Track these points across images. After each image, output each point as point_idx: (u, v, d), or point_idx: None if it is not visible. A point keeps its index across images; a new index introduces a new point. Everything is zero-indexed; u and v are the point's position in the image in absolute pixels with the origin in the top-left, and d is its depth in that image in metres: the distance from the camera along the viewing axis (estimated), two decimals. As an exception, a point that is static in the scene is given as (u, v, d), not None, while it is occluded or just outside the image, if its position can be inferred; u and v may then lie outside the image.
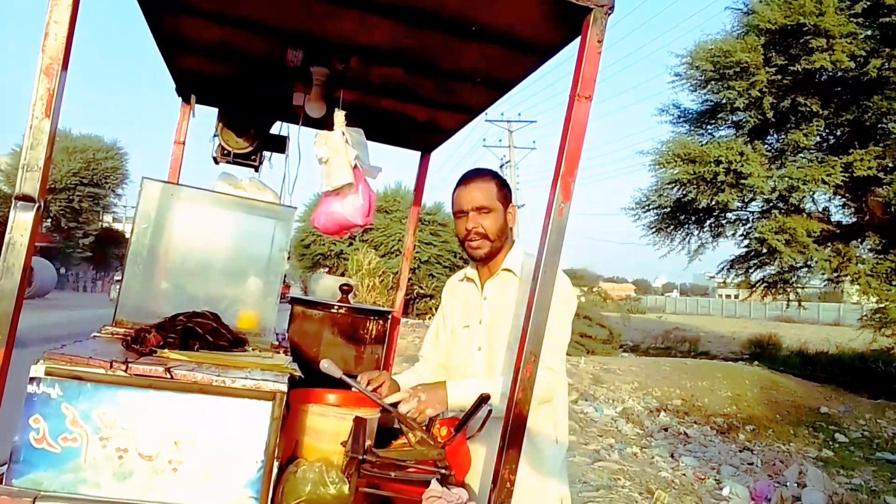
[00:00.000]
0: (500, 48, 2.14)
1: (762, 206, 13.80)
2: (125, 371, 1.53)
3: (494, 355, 2.18)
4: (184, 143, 3.22)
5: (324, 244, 28.44)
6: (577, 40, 1.72)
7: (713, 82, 13.62)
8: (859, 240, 12.71)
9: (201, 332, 1.92)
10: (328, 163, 2.46)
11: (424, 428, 1.95)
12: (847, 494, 6.99)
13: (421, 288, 26.19)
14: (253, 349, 2.06)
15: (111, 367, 1.53)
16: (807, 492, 6.78)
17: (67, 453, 1.50)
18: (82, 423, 1.50)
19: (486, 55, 2.22)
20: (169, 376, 1.56)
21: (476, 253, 2.19)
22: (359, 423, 1.82)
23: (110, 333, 2.04)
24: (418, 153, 3.54)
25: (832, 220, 13.06)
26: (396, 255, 25.86)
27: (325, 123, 2.67)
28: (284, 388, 1.61)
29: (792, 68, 11.94)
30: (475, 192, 2.16)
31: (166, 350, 1.77)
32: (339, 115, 2.50)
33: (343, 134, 2.47)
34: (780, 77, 12.36)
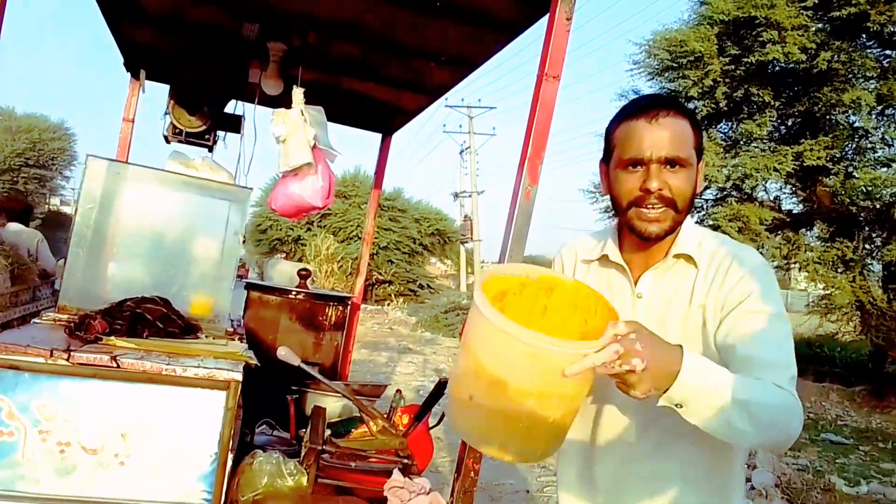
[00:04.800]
0: (466, 25, 2.08)
1: (716, 195, 14.08)
2: (67, 360, 1.44)
3: None
4: (133, 121, 3.09)
5: (281, 229, 28.03)
6: (545, 18, 1.68)
7: (669, 71, 13.77)
8: (808, 228, 13.09)
9: (151, 319, 1.82)
10: (286, 142, 2.37)
11: None
12: (794, 474, 7.21)
13: (380, 273, 26.06)
14: (206, 336, 1.98)
15: (51, 355, 1.43)
16: (756, 472, 6.97)
17: (3, 448, 1.40)
18: (19, 415, 1.40)
19: (451, 33, 2.16)
20: (115, 365, 1.47)
21: (651, 229, 1.36)
22: (317, 412, 1.76)
23: (52, 320, 1.92)
24: (379, 136, 3.46)
25: (783, 208, 13.41)
26: (355, 241, 25.66)
27: (283, 103, 2.57)
28: (239, 376, 1.53)
29: (745, 59, 12.16)
30: (666, 133, 1.35)
31: (113, 337, 1.68)
32: (298, 93, 2.41)
33: (302, 112, 2.38)
34: (733, 67, 12.57)
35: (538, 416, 1.10)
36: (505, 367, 1.09)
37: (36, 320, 1.91)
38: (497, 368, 1.09)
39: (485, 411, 1.13)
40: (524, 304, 1.21)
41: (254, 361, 1.69)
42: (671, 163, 1.33)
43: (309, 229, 26.92)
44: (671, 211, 1.35)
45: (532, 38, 2.12)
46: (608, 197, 1.44)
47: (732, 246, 1.41)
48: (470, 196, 34.05)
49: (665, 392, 1.09)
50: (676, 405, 1.12)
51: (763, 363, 1.20)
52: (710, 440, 1.18)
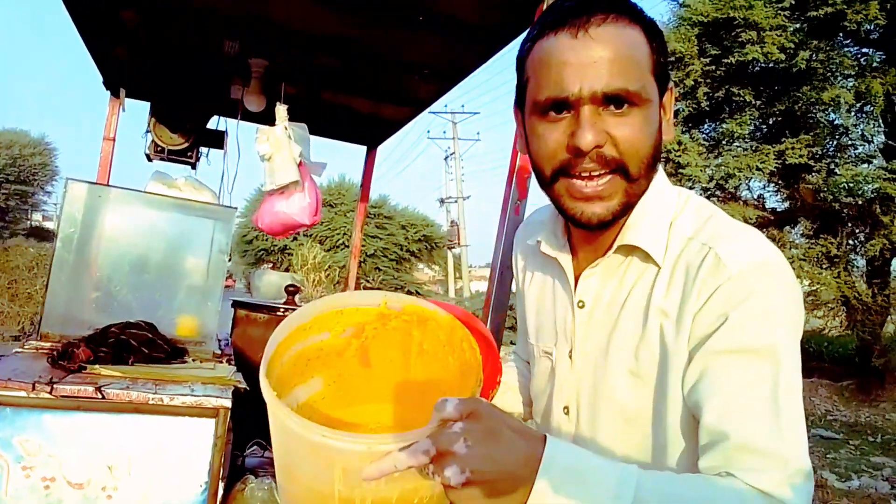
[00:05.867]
0: (449, 37, 2.06)
1: (700, 195, 14.18)
2: (50, 392, 1.40)
3: (596, 430, 0.94)
4: (113, 140, 3.04)
5: (267, 239, 27.95)
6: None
7: (651, 73, 13.83)
8: (792, 226, 13.22)
9: (136, 345, 1.79)
10: (271, 160, 2.35)
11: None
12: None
13: (368, 281, 26.00)
14: (193, 359, 1.94)
15: (33, 388, 1.39)
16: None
17: (-14, 486, 1.36)
18: (1, 451, 1.36)
19: (435, 45, 2.14)
20: (100, 396, 1.43)
21: (592, 211, 0.86)
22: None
23: (34, 348, 1.88)
24: (364, 148, 3.44)
25: (767, 207, 13.53)
26: (342, 249, 25.64)
27: (266, 117, 2.55)
28: (228, 403, 1.50)
29: (725, 60, 12.28)
30: (603, 53, 0.81)
31: (97, 365, 1.64)
32: (281, 110, 2.38)
33: (286, 129, 2.36)
34: (713, 68, 12.69)
35: None
36: (293, 462, 0.78)
37: (18, 349, 1.86)
38: (287, 461, 0.79)
39: None
40: (393, 339, 0.89)
41: (243, 386, 1.66)
42: (615, 100, 0.81)
43: (295, 238, 26.84)
44: (620, 179, 0.84)
45: (516, 42, 2.11)
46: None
47: (716, 231, 0.86)
48: (456, 201, 34.08)
49: None
50: None
51: (738, 446, 0.74)
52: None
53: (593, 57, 0.80)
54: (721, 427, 0.75)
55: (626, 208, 0.87)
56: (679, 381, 0.82)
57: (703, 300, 0.81)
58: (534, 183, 1.64)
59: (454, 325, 0.88)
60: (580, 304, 0.96)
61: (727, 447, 0.74)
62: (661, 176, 0.92)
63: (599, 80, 0.80)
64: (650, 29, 0.85)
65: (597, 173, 0.83)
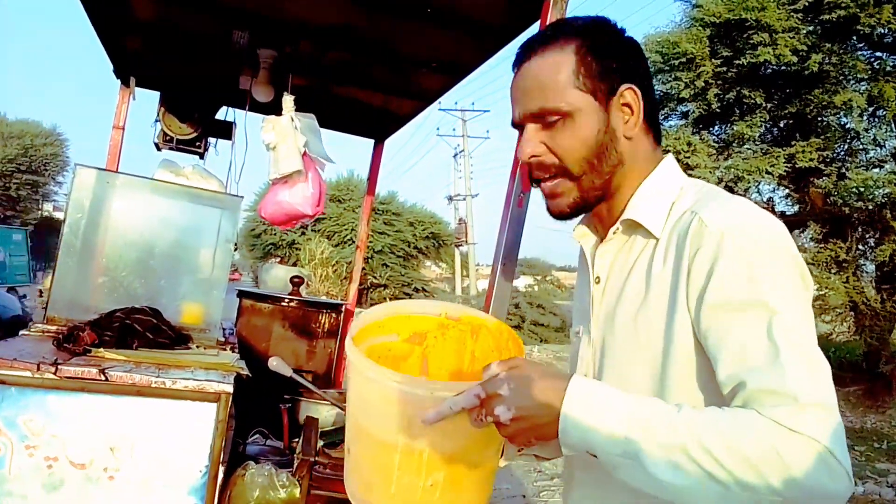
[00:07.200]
0: (457, 32, 2.07)
1: (709, 196, 14.12)
2: (54, 373, 1.42)
3: None
4: (123, 129, 3.06)
5: (275, 234, 28.02)
6: (537, 24, 1.67)
7: (661, 73, 13.80)
8: (801, 230, 13.14)
9: (140, 329, 1.80)
10: (276, 149, 2.35)
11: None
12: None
13: (375, 277, 26.05)
14: (197, 346, 1.96)
15: (38, 369, 1.41)
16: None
17: (-10, 464, 1.38)
18: (6, 430, 1.39)
19: (442, 39, 2.15)
20: (103, 378, 1.45)
21: (551, 206, 1.04)
22: (310, 423, 1.75)
23: (41, 331, 1.90)
24: (371, 141, 3.45)
25: (776, 210, 13.45)
26: (349, 245, 25.65)
27: (274, 108, 2.56)
28: (230, 388, 1.52)
29: (737, 61, 12.20)
30: (531, 82, 1.00)
31: (102, 349, 1.66)
32: (288, 100, 2.39)
33: (292, 119, 2.37)
34: (725, 69, 12.62)
35: (409, 479, 0.88)
36: (365, 413, 0.92)
37: (24, 332, 1.88)
38: (360, 416, 0.94)
39: (361, 468, 0.96)
40: (450, 348, 1.01)
41: (245, 372, 1.68)
42: (541, 118, 0.98)
43: (303, 233, 26.90)
44: (565, 179, 1.00)
45: (522, 38, 2.11)
46: None
47: (705, 200, 0.94)
48: (464, 199, 34.06)
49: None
50: (593, 455, 0.82)
51: (753, 391, 0.79)
52: None
53: (526, 85, 1.00)
54: (734, 378, 0.82)
55: (583, 203, 1.02)
56: (680, 344, 0.90)
57: (691, 261, 0.89)
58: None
59: (501, 328, 1.03)
60: (597, 280, 1.07)
61: (744, 394, 0.80)
62: (668, 164, 1.04)
63: (528, 105, 0.99)
64: (587, 40, 0.99)
65: (545, 177, 1.01)
